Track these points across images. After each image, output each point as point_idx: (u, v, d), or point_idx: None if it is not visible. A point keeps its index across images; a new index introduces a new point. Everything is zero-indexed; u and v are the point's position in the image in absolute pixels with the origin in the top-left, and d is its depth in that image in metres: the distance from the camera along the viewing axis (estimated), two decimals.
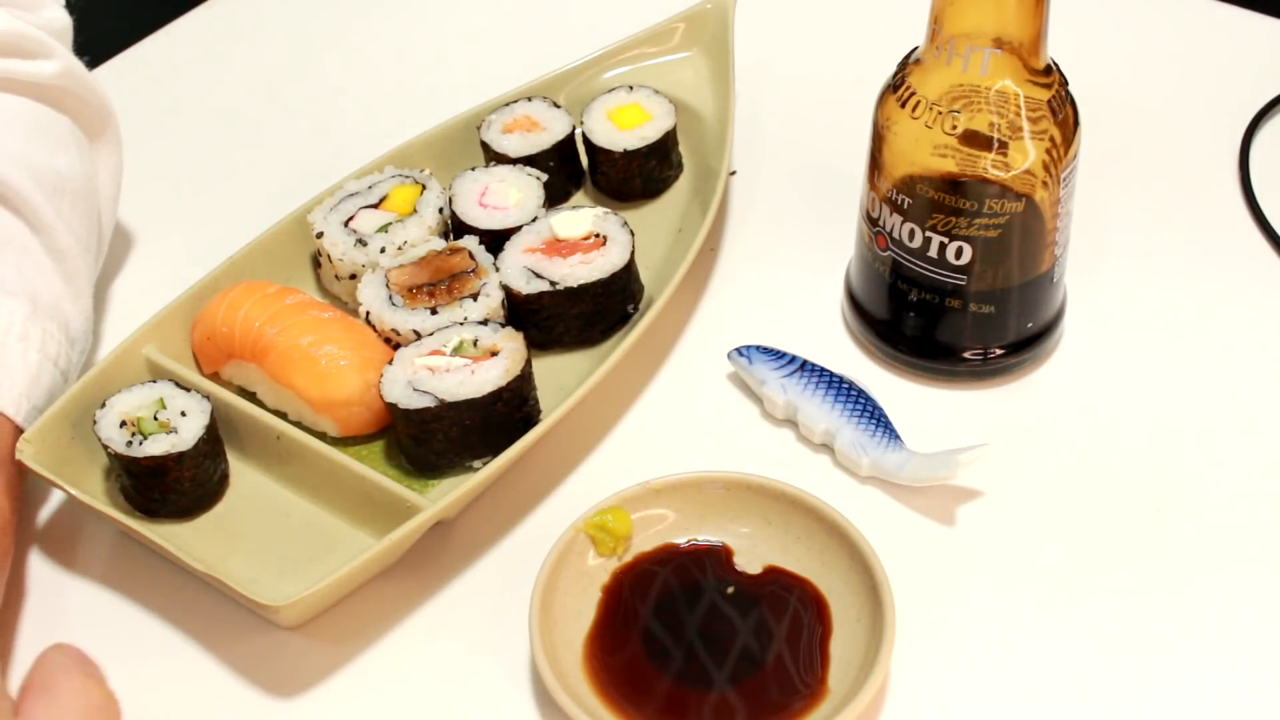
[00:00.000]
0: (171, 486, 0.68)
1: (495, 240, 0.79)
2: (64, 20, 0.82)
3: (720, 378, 0.77)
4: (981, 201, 0.69)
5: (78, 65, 0.80)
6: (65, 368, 0.72)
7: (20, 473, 0.68)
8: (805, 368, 0.75)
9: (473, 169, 0.83)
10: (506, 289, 0.76)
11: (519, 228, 0.79)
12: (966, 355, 0.75)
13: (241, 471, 0.72)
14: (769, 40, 1.01)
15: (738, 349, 0.76)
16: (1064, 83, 0.69)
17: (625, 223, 0.78)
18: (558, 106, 0.87)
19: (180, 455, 0.68)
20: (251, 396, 0.74)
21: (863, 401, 0.73)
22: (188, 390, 0.71)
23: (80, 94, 0.80)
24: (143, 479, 0.68)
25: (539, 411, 0.72)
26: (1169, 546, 0.68)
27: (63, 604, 0.68)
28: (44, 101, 0.78)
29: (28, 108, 0.77)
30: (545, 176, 0.82)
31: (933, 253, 0.71)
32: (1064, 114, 0.69)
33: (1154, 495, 0.71)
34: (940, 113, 0.68)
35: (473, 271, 0.76)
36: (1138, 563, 0.68)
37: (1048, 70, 0.68)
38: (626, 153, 0.84)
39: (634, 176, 0.85)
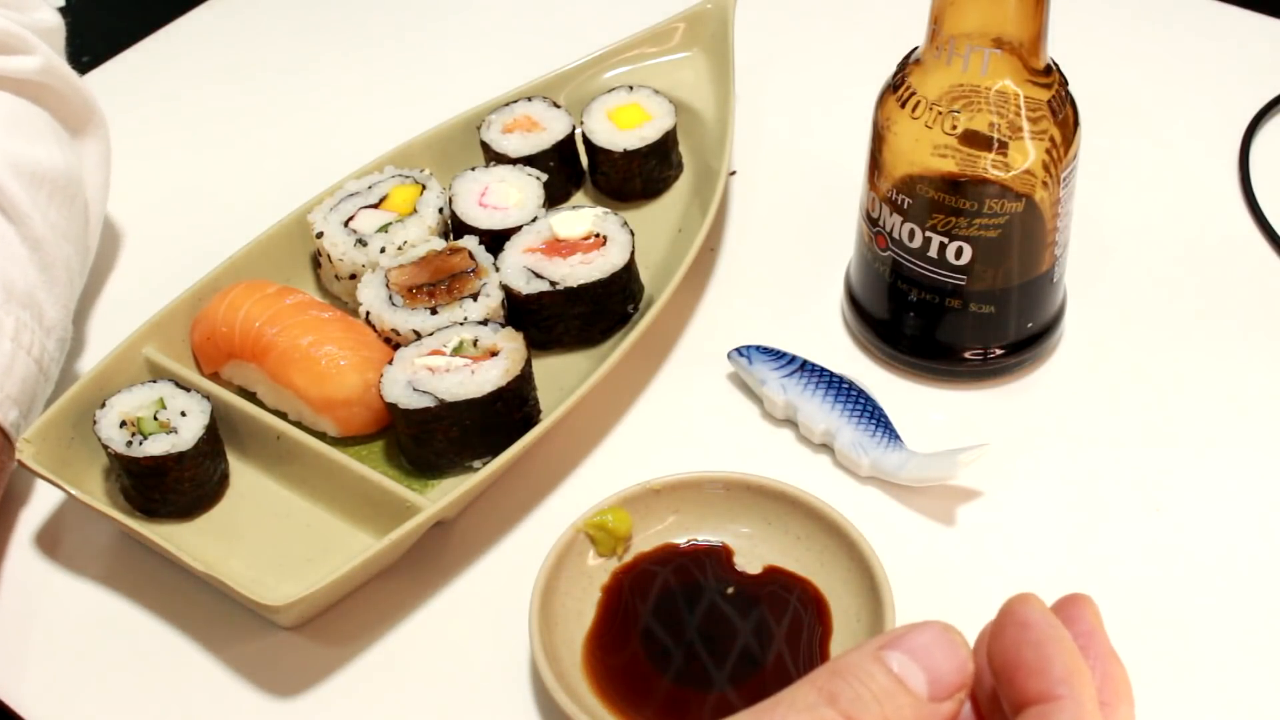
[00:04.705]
0: (171, 486, 0.68)
1: (495, 240, 0.79)
2: (54, 21, 0.82)
3: (720, 378, 0.77)
4: (981, 201, 0.69)
5: (60, 62, 0.80)
6: (39, 356, 0.72)
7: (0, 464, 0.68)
8: (805, 368, 0.75)
9: (473, 169, 0.83)
10: (506, 289, 0.76)
11: (519, 228, 0.79)
12: (966, 355, 0.75)
13: (241, 471, 0.72)
14: (769, 40, 1.01)
15: (738, 349, 0.76)
16: (1064, 83, 0.69)
17: (625, 223, 0.78)
18: (558, 106, 0.87)
19: (180, 455, 0.68)
20: (251, 396, 0.74)
21: (863, 401, 0.73)
22: (188, 390, 0.71)
23: (61, 90, 0.80)
24: (143, 479, 0.68)
25: (539, 411, 0.72)
26: (1169, 546, 0.68)
27: (63, 604, 0.68)
28: (23, 96, 0.78)
29: (5, 100, 0.77)
30: (545, 176, 0.82)
31: (933, 253, 0.71)
32: (1064, 114, 0.69)
33: (1154, 495, 0.71)
34: (940, 113, 0.68)
35: (473, 271, 0.76)
36: (1138, 563, 0.68)
37: (1048, 70, 0.68)
38: (626, 153, 0.84)
39: (634, 176, 0.85)
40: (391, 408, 0.69)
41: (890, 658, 0.42)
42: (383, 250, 0.78)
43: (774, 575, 0.66)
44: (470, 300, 0.75)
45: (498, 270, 0.77)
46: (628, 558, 0.67)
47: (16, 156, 0.74)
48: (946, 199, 0.70)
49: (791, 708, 0.42)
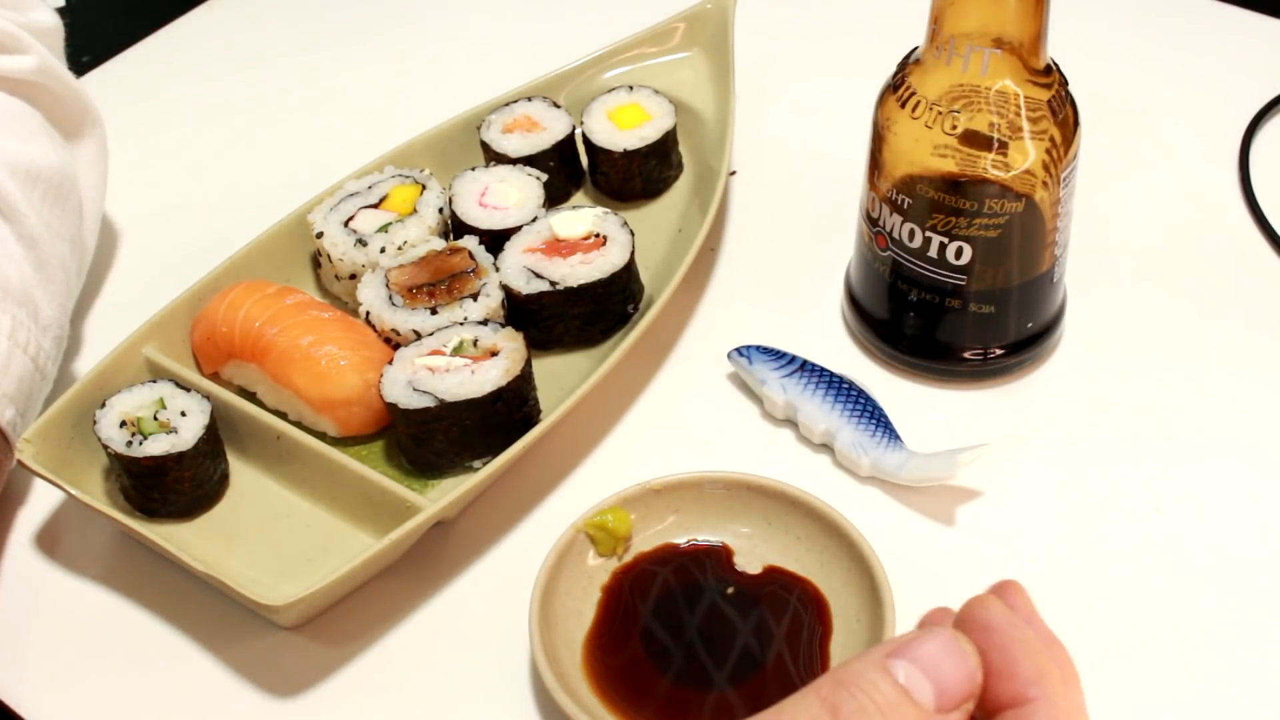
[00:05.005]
0: (171, 486, 0.68)
1: (495, 240, 0.79)
2: (51, 22, 0.82)
3: (720, 378, 0.77)
4: (981, 201, 0.69)
5: (55, 63, 0.80)
6: (35, 355, 0.71)
7: None
8: (805, 368, 0.75)
9: (473, 169, 0.83)
10: (506, 289, 0.76)
11: (519, 228, 0.79)
12: (966, 355, 0.75)
13: (241, 471, 0.72)
14: (769, 40, 1.01)
15: (738, 349, 0.76)
16: (1064, 83, 0.69)
17: (625, 223, 0.78)
18: (558, 106, 0.87)
19: (180, 455, 0.68)
20: (251, 396, 0.74)
21: (863, 401, 0.73)
22: (188, 390, 0.71)
23: (56, 91, 0.80)
24: (143, 479, 0.68)
25: (539, 411, 0.72)
26: (1169, 547, 0.68)
27: (63, 604, 0.68)
28: (17, 96, 0.78)
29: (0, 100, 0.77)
30: (545, 176, 0.82)
31: (933, 253, 0.71)
32: (1064, 114, 0.69)
33: (1154, 495, 0.71)
34: (940, 113, 0.68)
35: (473, 271, 0.76)
36: (1138, 563, 0.68)
37: (1048, 70, 0.68)
38: (626, 153, 0.84)
39: (634, 176, 0.85)
40: (391, 408, 0.69)
41: (897, 667, 0.41)
42: (383, 250, 0.78)
43: (774, 575, 0.66)
44: (470, 300, 0.75)
45: (498, 270, 0.77)
46: (628, 558, 0.67)
47: (11, 155, 0.74)
48: (946, 199, 0.70)
49: (794, 719, 0.41)
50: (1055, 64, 0.69)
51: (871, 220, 0.74)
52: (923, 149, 0.69)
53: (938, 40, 0.67)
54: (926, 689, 0.41)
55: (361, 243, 0.78)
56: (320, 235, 0.79)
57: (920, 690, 0.41)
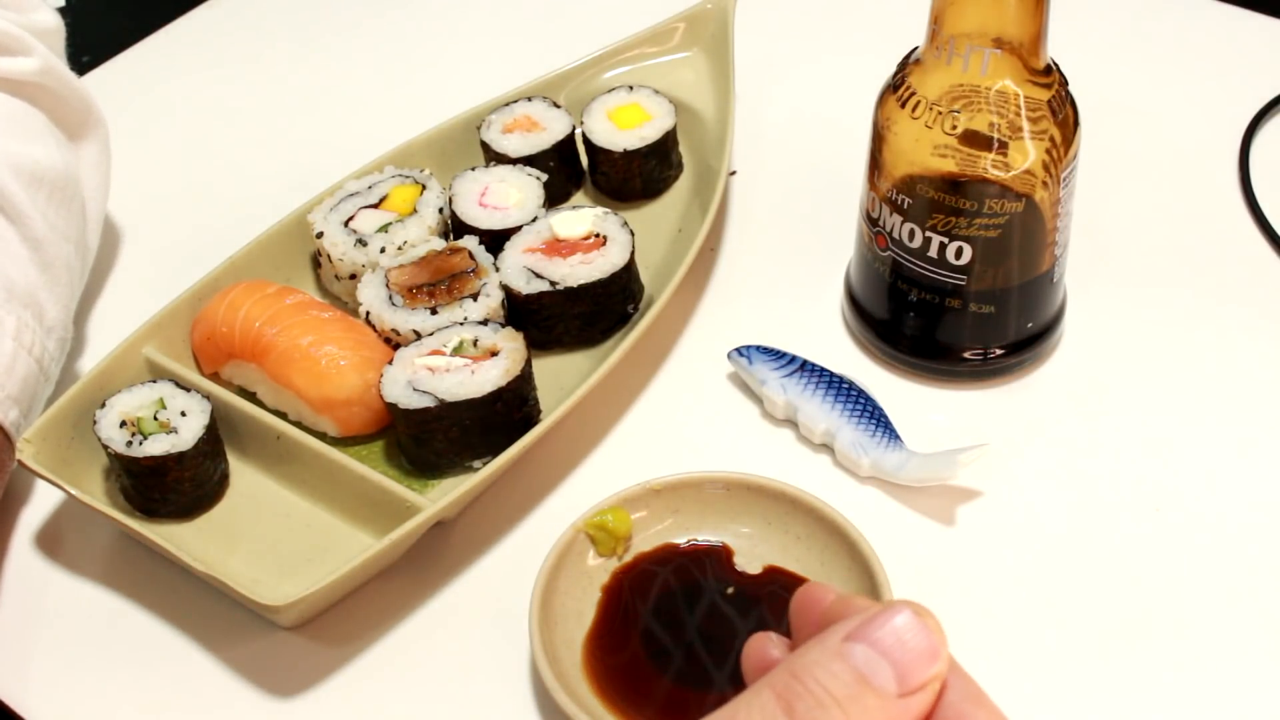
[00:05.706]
0: (171, 486, 0.68)
1: (495, 240, 0.79)
2: (53, 22, 0.82)
3: (720, 378, 0.77)
4: (981, 201, 0.69)
5: (59, 65, 0.80)
6: (40, 356, 0.72)
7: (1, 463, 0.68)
8: (805, 368, 0.75)
9: (473, 169, 0.83)
10: (506, 289, 0.76)
11: (519, 228, 0.79)
12: (966, 355, 0.75)
13: (241, 471, 0.72)
14: (769, 40, 1.01)
15: (738, 349, 0.76)
16: (1064, 83, 0.69)
17: (625, 223, 0.78)
18: (558, 106, 0.87)
19: (180, 455, 0.68)
20: (251, 396, 0.74)
21: (863, 401, 0.73)
22: (188, 390, 0.71)
23: (59, 92, 0.80)
24: (143, 479, 0.68)
25: (539, 411, 0.72)
26: (1169, 546, 0.68)
27: (63, 604, 0.68)
28: (20, 97, 0.78)
29: (3, 101, 0.77)
30: (545, 176, 0.82)
31: (933, 253, 0.71)
32: (1064, 114, 0.69)
33: (1154, 495, 0.71)
34: (940, 113, 0.68)
35: (473, 271, 0.76)
36: (1138, 563, 0.68)
37: (1048, 70, 0.68)
38: (626, 153, 0.84)
39: (634, 176, 0.85)
40: (391, 408, 0.69)
41: (854, 653, 0.39)
42: (383, 250, 0.78)
43: (774, 575, 0.66)
44: (470, 300, 0.75)
45: (498, 270, 0.77)
46: (628, 558, 0.67)
47: (16, 157, 0.74)
48: (946, 199, 0.70)
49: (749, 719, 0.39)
50: (1055, 64, 0.69)
51: (871, 220, 0.74)
52: (923, 149, 0.69)
53: (938, 40, 0.67)
54: (886, 673, 0.39)
55: (361, 243, 0.78)
56: (320, 235, 0.79)
57: (880, 675, 0.39)
